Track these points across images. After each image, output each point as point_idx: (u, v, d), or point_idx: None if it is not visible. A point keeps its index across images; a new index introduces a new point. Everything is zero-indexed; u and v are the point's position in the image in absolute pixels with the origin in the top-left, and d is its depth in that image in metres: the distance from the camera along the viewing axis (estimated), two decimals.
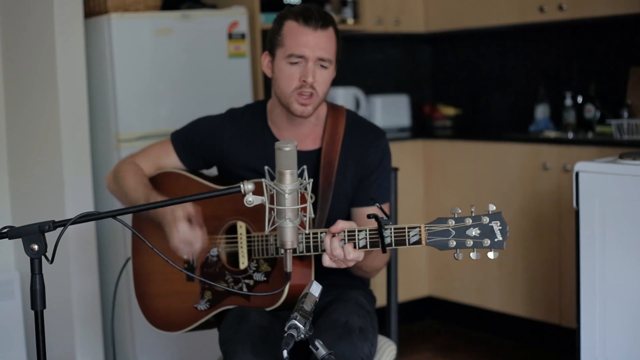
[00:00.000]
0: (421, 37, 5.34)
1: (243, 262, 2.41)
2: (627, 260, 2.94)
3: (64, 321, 3.67)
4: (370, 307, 2.47)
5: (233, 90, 3.99)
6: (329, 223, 2.44)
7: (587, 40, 4.62)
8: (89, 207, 3.64)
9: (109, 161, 3.75)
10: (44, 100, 3.67)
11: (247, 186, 1.97)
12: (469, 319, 4.68)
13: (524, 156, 4.24)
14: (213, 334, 2.71)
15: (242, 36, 4.00)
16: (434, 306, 4.87)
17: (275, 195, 1.98)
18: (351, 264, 2.17)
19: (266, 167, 2.26)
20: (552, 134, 4.38)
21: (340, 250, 2.14)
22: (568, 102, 4.54)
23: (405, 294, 4.65)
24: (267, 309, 2.36)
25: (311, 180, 2.08)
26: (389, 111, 5.10)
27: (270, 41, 2.44)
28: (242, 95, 4.01)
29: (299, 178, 2.01)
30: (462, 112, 5.26)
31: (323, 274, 2.35)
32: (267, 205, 2.00)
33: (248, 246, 2.40)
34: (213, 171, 2.71)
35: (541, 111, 4.69)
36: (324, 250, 2.19)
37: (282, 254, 2.31)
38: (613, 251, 2.97)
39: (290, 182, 1.97)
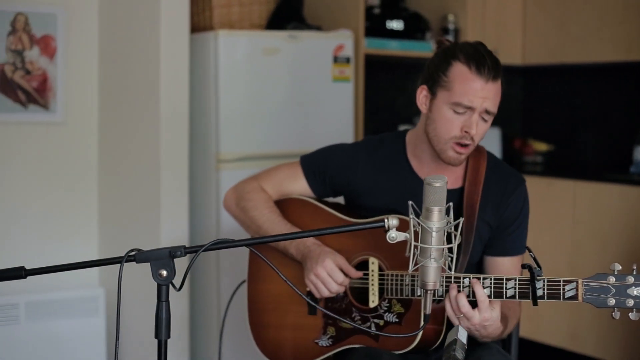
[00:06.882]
0: (516, 69, 5.21)
1: (373, 301, 2.29)
2: None
3: (148, 340, 3.56)
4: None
5: (335, 116, 3.89)
6: (470, 267, 2.33)
7: None
8: (185, 229, 3.55)
9: (207, 182, 3.66)
10: (144, 116, 3.60)
11: (392, 221, 1.85)
12: None
13: (629, 199, 4.08)
14: None
15: (347, 60, 3.90)
16: (522, 347, 4.70)
17: (420, 232, 1.87)
18: (475, 320, 2.08)
19: (410, 202, 2.15)
20: None
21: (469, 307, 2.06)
22: None
23: None
24: (396, 352, 2.25)
25: (462, 219, 1.96)
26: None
27: (431, 77, 2.27)
28: (344, 121, 3.91)
29: (446, 216, 1.90)
30: (553, 149, 5.11)
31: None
32: (412, 243, 1.89)
33: (380, 284, 2.29)
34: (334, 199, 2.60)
35: None
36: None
37: (418, 296, 2.21)
38: None
39: (437, 219, 1.86)
